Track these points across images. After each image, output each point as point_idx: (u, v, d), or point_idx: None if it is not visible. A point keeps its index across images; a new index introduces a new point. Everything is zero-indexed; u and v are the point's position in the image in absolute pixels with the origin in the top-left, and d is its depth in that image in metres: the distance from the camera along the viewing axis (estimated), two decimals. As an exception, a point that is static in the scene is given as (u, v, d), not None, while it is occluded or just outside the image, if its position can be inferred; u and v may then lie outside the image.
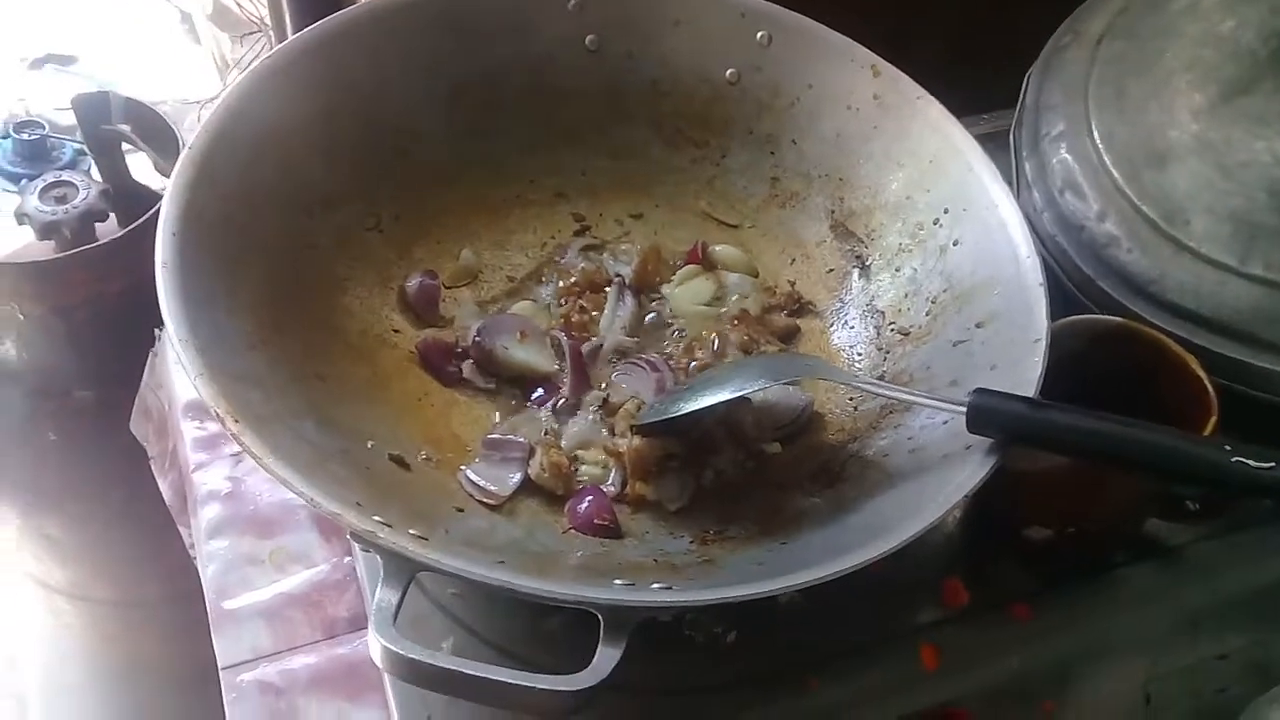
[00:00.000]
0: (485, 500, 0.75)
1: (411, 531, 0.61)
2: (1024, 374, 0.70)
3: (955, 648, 0.78)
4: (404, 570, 0.58)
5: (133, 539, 1.35)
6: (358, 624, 0.84)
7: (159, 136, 1.23)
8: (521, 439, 0.78)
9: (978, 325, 0.77)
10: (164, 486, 1.08)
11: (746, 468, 0.80)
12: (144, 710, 1.54)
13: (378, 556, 0.59)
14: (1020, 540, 0.81)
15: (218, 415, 0.61)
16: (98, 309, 1.18)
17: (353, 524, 0.58)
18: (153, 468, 1.10)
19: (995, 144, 0.88)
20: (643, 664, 0.58)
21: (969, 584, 0.80)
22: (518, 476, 0.76)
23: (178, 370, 0.96)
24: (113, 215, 1.24)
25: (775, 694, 0.75)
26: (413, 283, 0.86)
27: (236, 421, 0.61)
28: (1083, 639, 0.81)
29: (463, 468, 0.76)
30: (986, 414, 0.66)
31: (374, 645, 0.56)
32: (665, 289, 0.90)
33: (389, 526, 0.59)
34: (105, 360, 1.22)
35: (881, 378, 0.82)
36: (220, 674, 0.81)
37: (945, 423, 0.72)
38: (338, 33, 0.84)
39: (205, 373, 0.63)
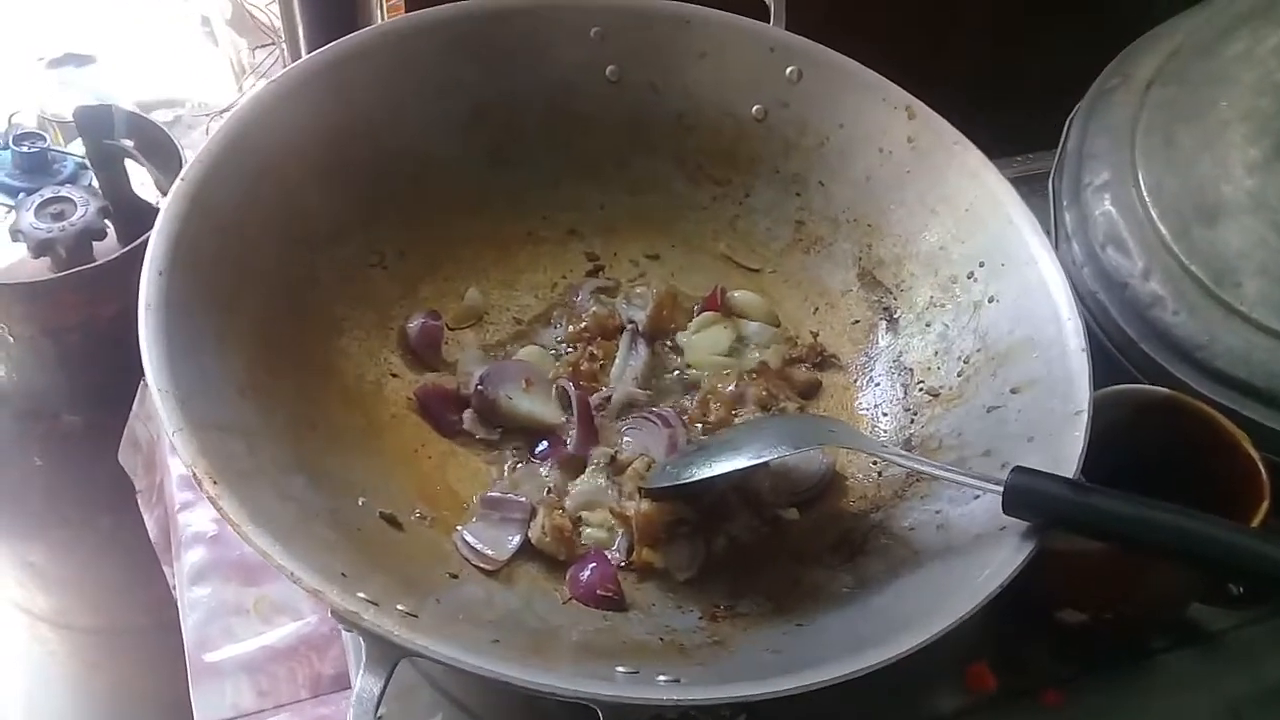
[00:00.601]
0: (481, 565, 0.70)
1: (400, 607, 0.56)
2: (1064, 449, 0.66)
3: (981, 737, 0.73)
4: (389, 655, 0.54)
5: (118, 567, 1.32)
6: (344, 682, 0.81)
7: (161, 152, 1.20)
8: (522, 498, 0.74)
9: (1013, 391, 0.73)
10: (149, 522, 1.04)
11: (761, 534, 0.75)
12: (126, 738, 1.50)
13: (361, 639, 0.54)
14: (1053, 623, 0.77)
15: (195, 476, 0.57)
16: (90, 332, 1.15)
17: (335, 603, 0.54)
18: (139, 501, 1.06)
19: (1029, 188, 0.83)
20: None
21: (996, 669, 0.76)
22: (517, 539, 0.72)
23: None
24: (112, 232, 1.20)
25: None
26: (414, 323, 0.82)
27: (215, 483, 0.57)
28: (1116, 728, 0.76)
29: (459, 528, 0.72)
30: (1025, 495, 0.62)
31: (351, 740, 0.51)
32: (681, 337, 0.86)
33: (374, 605, 0.54)
34: (96, 385, 1.18)
35: (908, 441, 0.78)
36: (197, 734, 0.78)
37: (977, 497, 0.68)
38: (347, 56, 0.80)
39: (185, 428, 0.58)
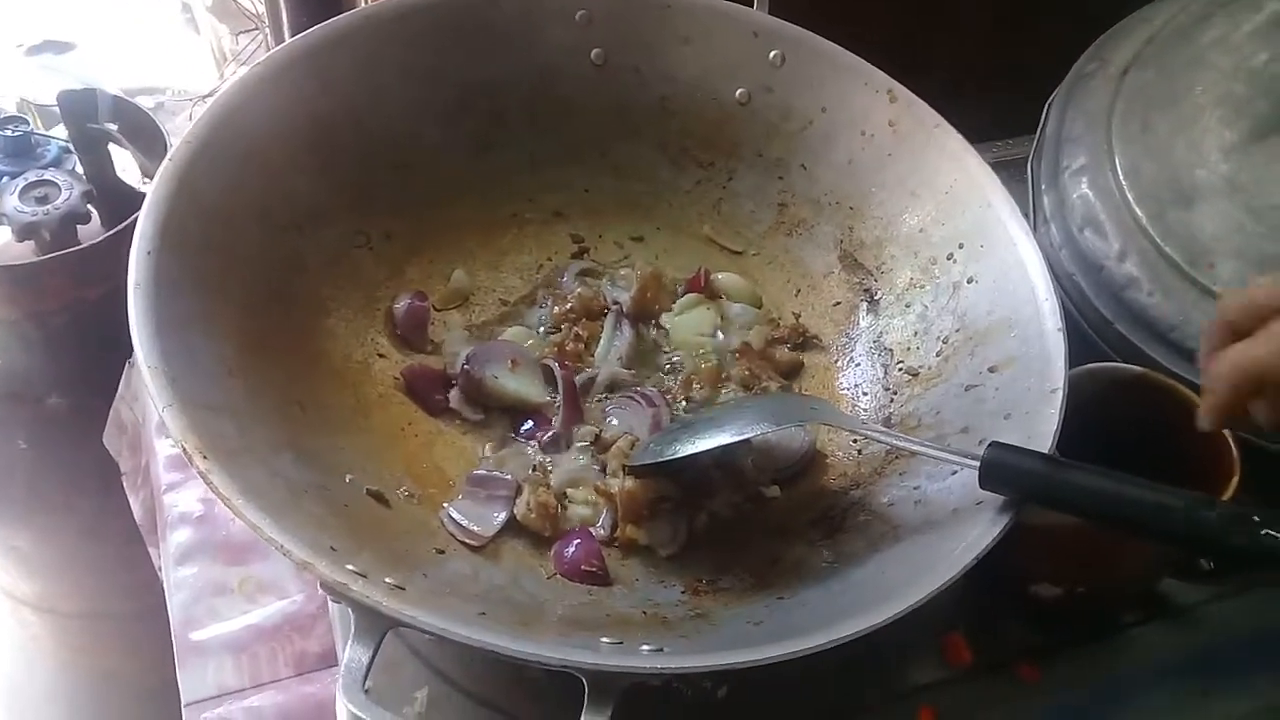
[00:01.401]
0: (467, 541, 0.71)
1: (388, 580, 0.57)
2: (1039, 425, 0.67)
3: (956, 710, 0.74)
4: (378, 626, 0.54)
5: (103, 552, 1.32)
6: (330, 659, 0.81)
7: (145, 136, 1.20)
8: (508, 476, 0.75)
9: (991, 369, 0.74)
10: (135, 504, 1.04)
11: (743, 510, 0.76)
12: (112, 720, 1.50)
13: (349, 610, 0.55)
14: (1028, 597, 0.78)
15: (185, 451, 0.57)
16: (75, 315, 1.14)
17: (324, 575, 0.54)
18: (124, 484, 1.06)
19: (1008, 173, 0.84)
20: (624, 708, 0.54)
21: (972, 642, 0.77)
22: (502, 516, 0.73)
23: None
24: (96, 216, 1.20)
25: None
26: (401, 304, 0.82)
27: (205, 458, 0.57)
28: (1091, 702, 0.77)
29: (445, 505, 0.72)
30: (1000, 470, 0.63)
31: (341, 712, 0.52)
32: (665, 318, 0.87)
33: (363, 577, 0.55)
34: (81, 368, 1.18)
35: (888, 420, 0.79)
36: (183, 711, 0.78)
37: (954, 473, 0.69)
38: (332, 40, 0.81)
39: (175, 404, 0.59)
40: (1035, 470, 0.62)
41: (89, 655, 1.50)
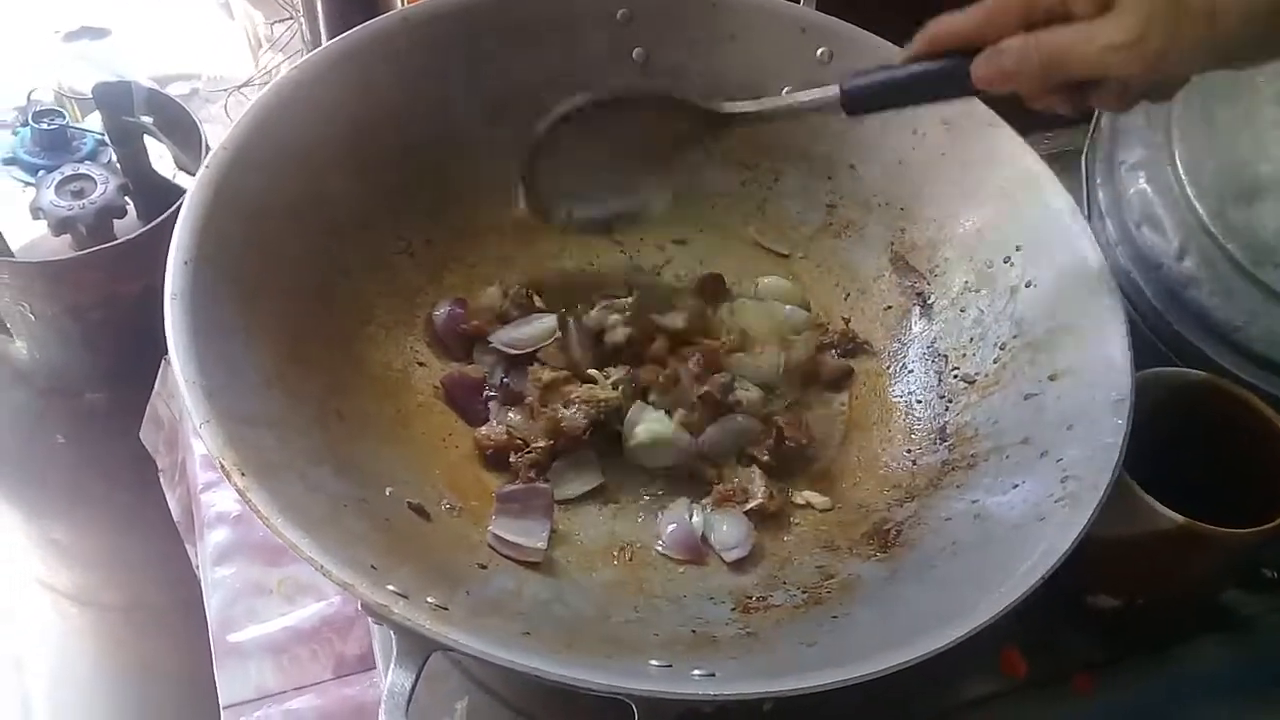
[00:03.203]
0: (523, 559, 0.69)
1: (429, 600, 0.56)
2: (1105, 436, 0.65)
3: (1012, 722, 0.73)
4: (420, 648, 0.53)
5: (141, 545, 1.32)
6: (368, 662, 0.80)
7: (181, 129, 1.19)
8: (544, 485, 0.73)
9: (1051, 378, 0.72)
10: (172, 501, 1.04)
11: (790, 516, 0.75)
12: (152, 714, 1.51)
13: (391, 632, 0.53)
14: (1085, 608, 0.76)
15: (223, 468, 0.56)
16: (112, 310, 1.14)
17: (365, 596, 0.53)
18: (161, 480, 1.06)
19: (1059, 165, 0.81)
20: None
21: (1027, 654, 0.75)
22: (546, 526, 0.71)
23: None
24: (132, 209, 1.19)
25: (818, 770, 0.70)
26: (441, 311, 0.81)
27: (243, 475, 0.56)
28: (1148, 715, 0.76)
29: (491, 529, 0.70)
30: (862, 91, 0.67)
31: (385, 740, 0.51)
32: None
33: (405, 598, 0.54)
34: (118, 363, 1.17)
35: (944, 429, 0.77)
36: (221, 713, 0.78)
37: (1015, 487, 0.67)
38: (369, 42, 0.79)
39: (212, 420, 0.58)
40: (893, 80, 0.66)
41: (128, 647, 1.50)
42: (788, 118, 0.73)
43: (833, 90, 0.68)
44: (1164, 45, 0.55)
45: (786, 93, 0.75)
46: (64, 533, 1.36)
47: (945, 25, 0.63)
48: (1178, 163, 0.85)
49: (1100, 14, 0.56)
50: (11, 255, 1.15)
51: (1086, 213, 0.90)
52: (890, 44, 0.83)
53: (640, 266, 0.88)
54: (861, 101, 0.67)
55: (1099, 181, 0.91)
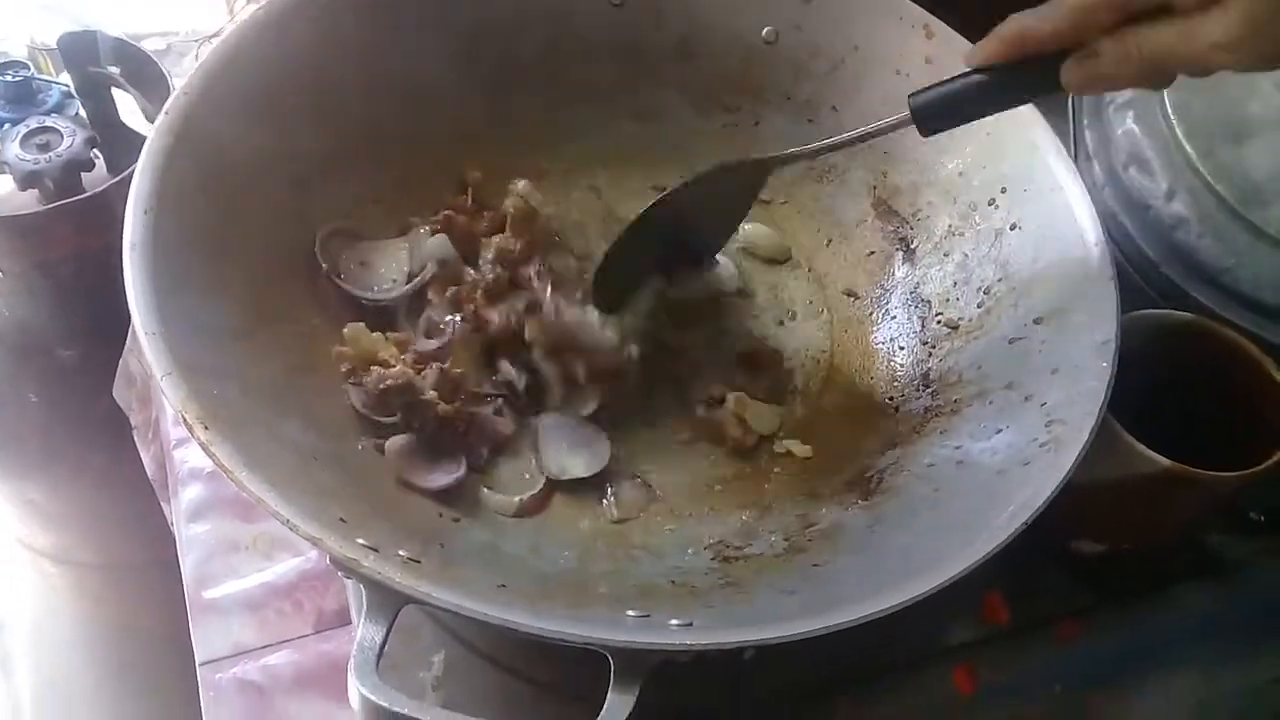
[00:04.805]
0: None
1: (401, 553, 0.55)
2: (1091, 380, 0.64)
3: (993, 669, 0.73)
4: (391, 603, 0.52)
5: (117, 503, 1.30)
6: (345, 617, 0.80)
7: (149, 80, 1.16)
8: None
9: (1036, 321, 0.70)
10: (146, 458, 1.03)
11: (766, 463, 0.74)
12: (131, 670, 1.51)
13: (361, 586, 0.52)
14: (1069, 553, 0.76)
15: (185, 421, 0.55)
16: (82, 265, 1.12)
17: (333, 550, 0.52)
18: (135, 437, 1.05)
19: (1045, 107, 0.79)
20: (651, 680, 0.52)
21: (1010, 599, 0.75)
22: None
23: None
24: (101, 161, 1.17)
25: (795, 717, 0.70)
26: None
27: (206, 428, 0.55)
28: (1132, 660, 0.76)
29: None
30: (932, 108, 0.63)
31: (353, 692, 0.50)
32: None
33: (374, 551, 0.52)
34: (90, 319, 1.16)
35: (927, 375, 0.76)
36: (198, 670, 0.77)
37: (999, 432, 0.66)
38: (336, -19, 0.76)
39: (174, 371, 0.56)
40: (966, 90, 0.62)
41: (107, 605, 1.50)
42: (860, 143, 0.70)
43: (904, 113, 0.64)
44: (1277, 43, 0.51)
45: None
46: (39, 492, 1.35)
47: (1026, 29, 0.58)
48: (1166, 102, 0.83)
49: (1204, 8, 0.52)
50: (-23, 211, 1.12)
51: (1073, 154, 0.89)
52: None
53: (616, 214, 0.86)
54: (936, 117, 0.64)
55: (1086, 122, 0.89)
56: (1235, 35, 0.51)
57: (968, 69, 0.61)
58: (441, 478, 0.68)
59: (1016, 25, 0.58)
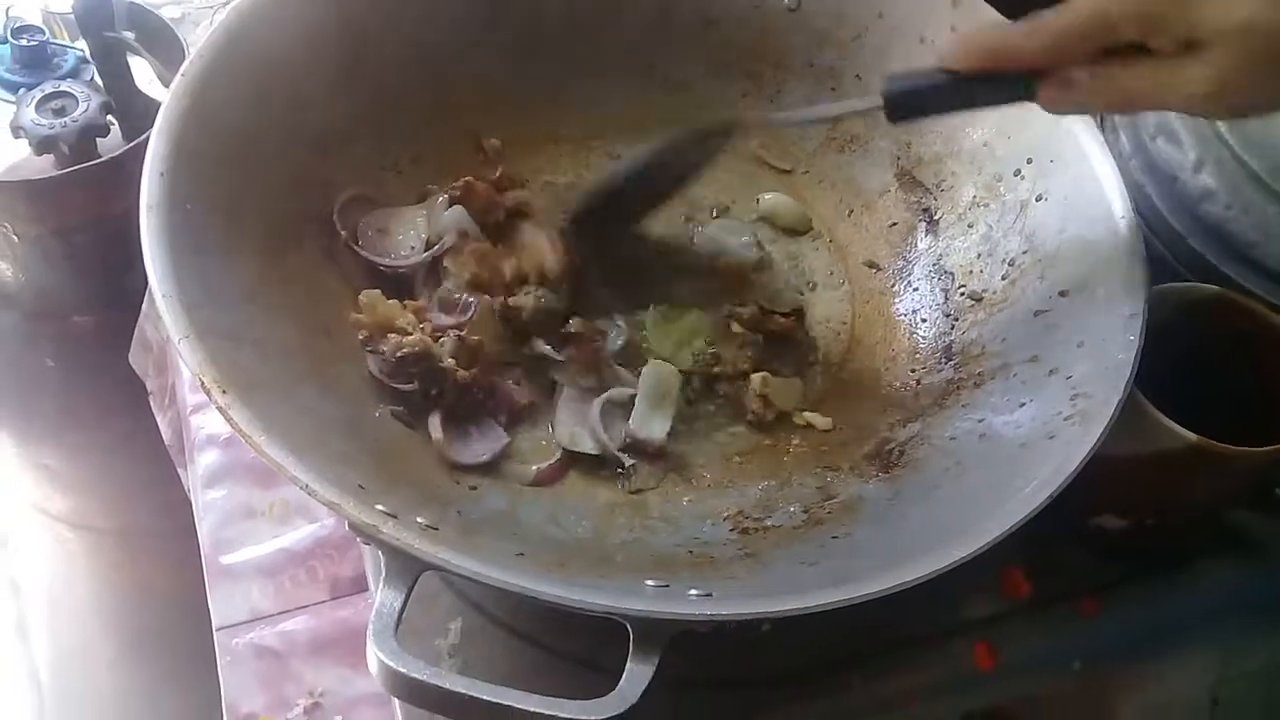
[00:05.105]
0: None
1: (419, 520, 0.54)
2: (1117, 354, 0.63)
3: (1013, 645, 0.72)
4: (410, 569, 0.52)
5: (133, 469, 1.31)
6: (362, 584, 0.79)
7: (164, 44, 1.16)
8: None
9: (1062, 294, 0.69)
10: (162, 424, 1.03)
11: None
12: (149, 636, 1.51)
13: (380, 553, 0.52)
14: (1091, 528, 0.75)
15: (203, 385, 0.54)
16: (97, 231, 1.12)
17: (352, 516, 0.52)
18: (151, 403, 1.04)
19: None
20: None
21: (1031, 574, 0.74)
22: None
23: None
24: (116, 127, 1.17)
25: (811, 691, 0.69)
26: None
27: (225, 392, 0.54)
28: (1152, 637, 0.75)
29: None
30: (905, 97, 0.62)
31: (371, 659, 0.49)
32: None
33: (393, 518, 0.52)
34: (105, 284, 1.16)
35: (949, 347, 0.75)
36: (214, 635, 0.77)
37: (1022, 405, 0.65)
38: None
39: (191, 335, 0.56)
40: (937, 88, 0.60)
41: (124, 570, 1.50)
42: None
43: (875, 98, 0.63)
44: (1251, 98, 0.51)
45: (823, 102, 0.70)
46: (56, 457, 1.36)
47: (1005, 45, 0.57)
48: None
49: (1183, 53, 0.52)
50: (-7, 175, 1.13)
51: (1099, 125, 0.87)
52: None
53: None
54: (905, 109, 0.63)
55: (1113, 93, 0.88)
56: (1207, 89, 0.51)
57: (938, 67, 0.60)
58: (483, 450, 0.69)
59: (996, 40, 0.57)
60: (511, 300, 0.73)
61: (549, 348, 0.73)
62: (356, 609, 0.78)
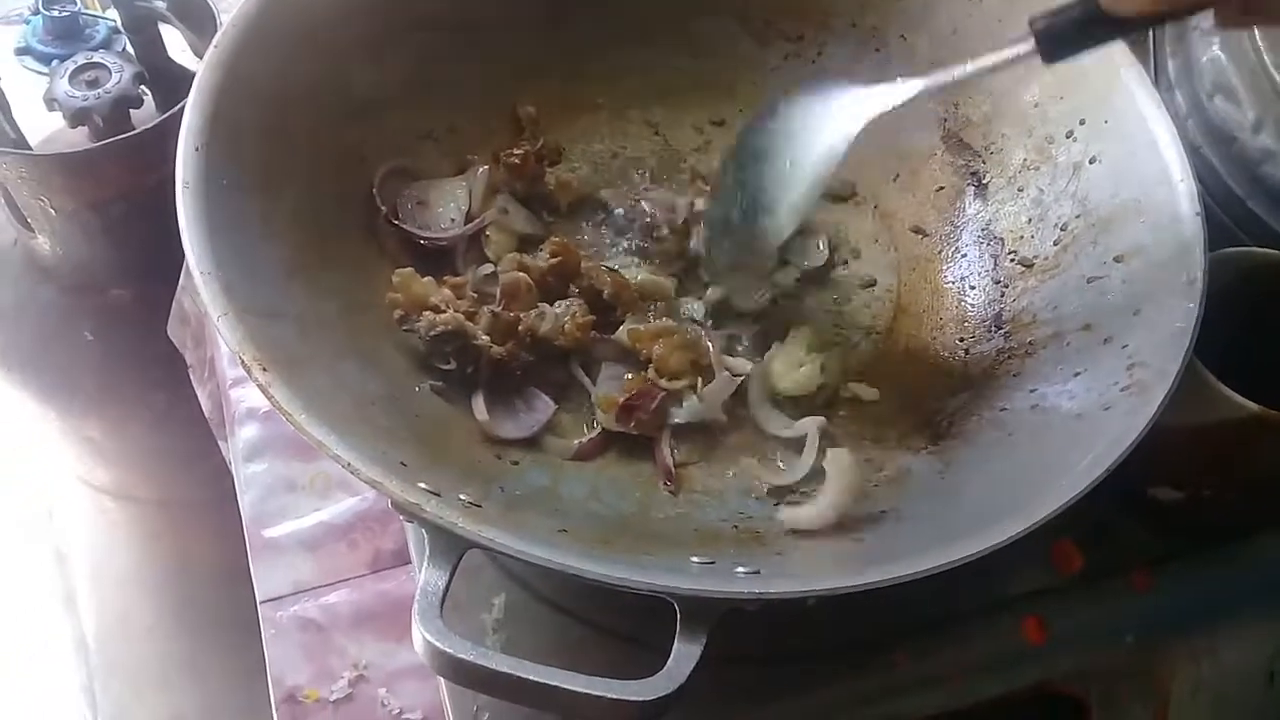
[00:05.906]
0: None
1: (462, 497, 0.54)
2: (1174, 320, 0.61)
3: (1064, 619, 0.71)
4: (454, 547, 0.51)
5: (175, 441, 1.32)
6: (403, 557, 0.80)
7: (196, 15, 1.15)
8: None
9: (1116, 259, 0.67)
10: (202, 397, 1.03)
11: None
12: (191, 605, 1.54)
13: (424, 531, 0.51)
14: (1146, 500, 0.73)
15: (243, 363, 0.54)
16: (133, 203, 1.11)
17: (395, 495, 0.51)
18: (191, 376, 1.05)
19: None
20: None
21: (1082, 547, 0.73)
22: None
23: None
24: (149, 98, 1.16)
25: (858, 667, 0.68)
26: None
27: (265, 370, 0.54)
28: (1206, 612, 0.73)
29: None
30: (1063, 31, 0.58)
31: (417, 638, 0.49)
32: None
33: (437, 496, 0.51)
34: (143, 256, 1.16)
35: (999, 316, 0.73)
36: (258, 608, 0.78)
37: (1076, 375, 0.63)
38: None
39: (230, 312, 0.55)
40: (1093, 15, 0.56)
41: (166, 542, 1.52)
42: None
43: (1027, 43, 0.59)
44: None
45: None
46: (98, 430, 1.37)
47: None
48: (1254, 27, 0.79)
49: None
50: (29, 148, 1.12)
51: (1154, 82, 0.85)
52: None
53: (675, 149, 0.84)
54: (1063, 47, 0.59)
55: (1169, 49, 0.85)
56: None
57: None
58: (531, 423, 0.68)
59: None
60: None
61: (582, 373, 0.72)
62: (398, 581, 0.78)
